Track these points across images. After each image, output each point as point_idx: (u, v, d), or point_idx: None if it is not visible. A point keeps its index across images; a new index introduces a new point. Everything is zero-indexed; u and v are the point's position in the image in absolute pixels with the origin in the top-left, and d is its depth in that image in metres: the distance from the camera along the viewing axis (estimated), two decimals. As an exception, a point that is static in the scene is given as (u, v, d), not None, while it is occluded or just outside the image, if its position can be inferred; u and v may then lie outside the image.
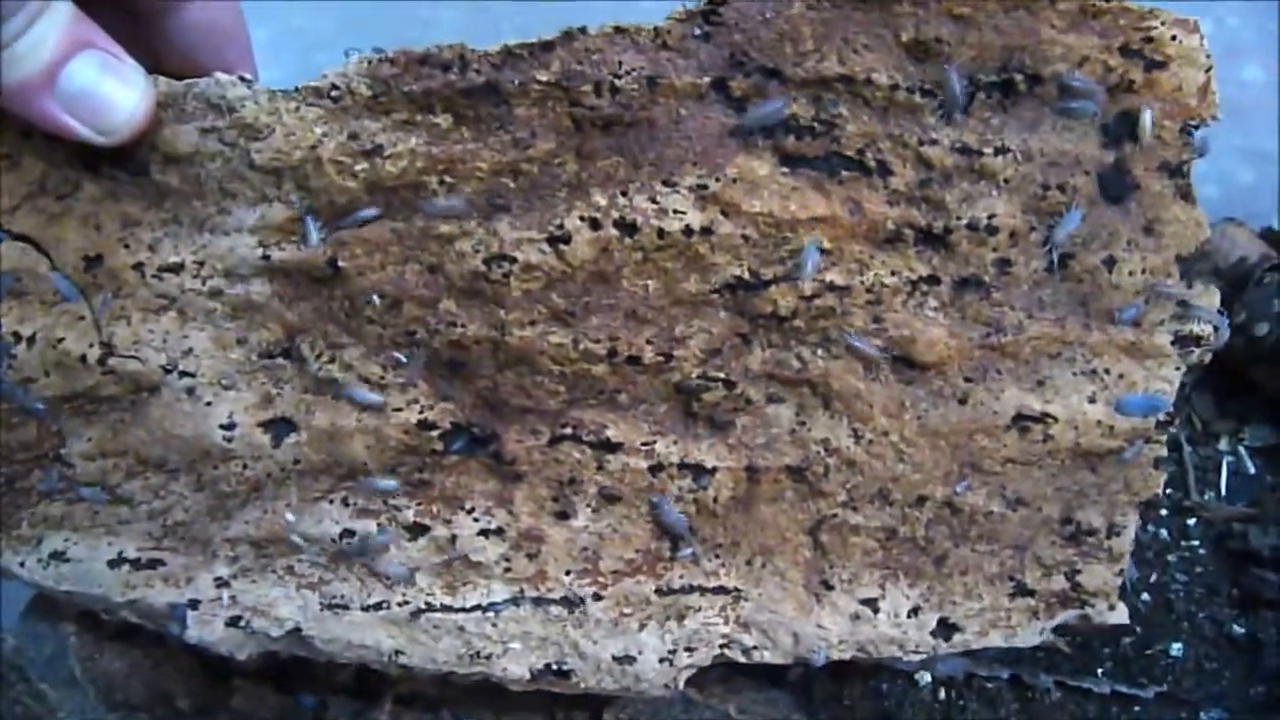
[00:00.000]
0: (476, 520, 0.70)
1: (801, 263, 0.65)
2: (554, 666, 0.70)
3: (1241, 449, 0.97)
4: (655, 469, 0.69)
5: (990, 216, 0.65)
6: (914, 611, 0.71)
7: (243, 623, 0.70)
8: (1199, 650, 0.86)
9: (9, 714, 0.76)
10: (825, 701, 0.82)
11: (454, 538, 0.69)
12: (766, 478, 0.69)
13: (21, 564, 0.71)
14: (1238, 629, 0.87)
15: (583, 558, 0.70)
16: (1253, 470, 0.96)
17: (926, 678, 0.84)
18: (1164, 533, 0.92)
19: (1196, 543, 0.92)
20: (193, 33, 0.71)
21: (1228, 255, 0.98)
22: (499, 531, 0.69)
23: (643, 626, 0.70)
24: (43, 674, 0.76)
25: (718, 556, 0.71)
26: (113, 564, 0.70)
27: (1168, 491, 0.95)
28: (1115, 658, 0.87)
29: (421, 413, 0.68)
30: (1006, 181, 0.65)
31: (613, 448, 0.69)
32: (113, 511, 0.70)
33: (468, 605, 0.70)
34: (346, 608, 0.70)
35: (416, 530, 0.70)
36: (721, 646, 0.70)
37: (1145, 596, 0.89)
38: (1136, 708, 0.83)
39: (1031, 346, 0.68)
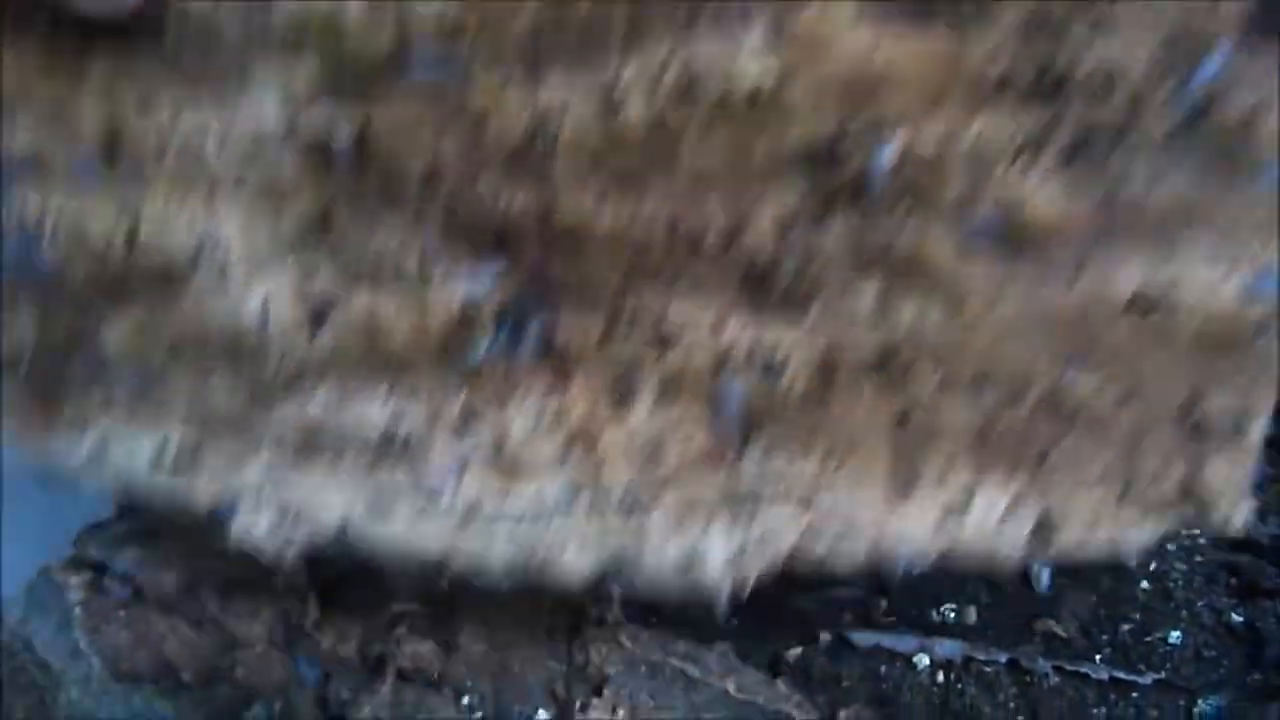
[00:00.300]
0: (528, 413, 0.64)
1: (888, 123, 0.57)
2: (612, 566, 0.64)
3: (1243, 440, 0.97)
4: (722, 358, 0.62)
5: (1111, 64, 0.56)
6: (1009, 510, 0.64)
7: (288, 519, 0.66)
8: (1198, 638, 0.87)
9: (13, 685, 0.77)
10: (823, 682, 0.83)
11: (504, 432, 0.64)
12: (845, 366, 0.62)
13: (67, 456, 0.67)
14: (1236, 618, 0.87)
15: (643, 453, 0.63)
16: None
17: (925, 660, 0.84)
18: (1164, 522, 0.93)
19: (1196, 532, 0.92)
20: None
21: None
22: (553, 425, 0.64)
23: (708, 526, 0.64)
24: (48, 645, 0.77)
25: (790, 451, 0.64)
26: (154, 455, 0.67)
27: (1168, 481, 0.95)
28: (1114, 644, 0.87)
29: (465, 298, 0.62)
30: (1132, 22, 0.55)
31: (674, 335, 0.62)
32: (152, 401, 0.66)
33: (521, 503, 0.64)
34: (394, 506, 0.65)
35: (465, 423, 0.64)
36: (792, 549, 0.64)
37: (1144, 584, 0.89)
38: (1134, 694, 0.84)
39: (1156, 217, 0.59)
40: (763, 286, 0.61)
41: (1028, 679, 0.84)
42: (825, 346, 0.61)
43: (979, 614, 0.89)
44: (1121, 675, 0.84)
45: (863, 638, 0.85)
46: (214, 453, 0.66)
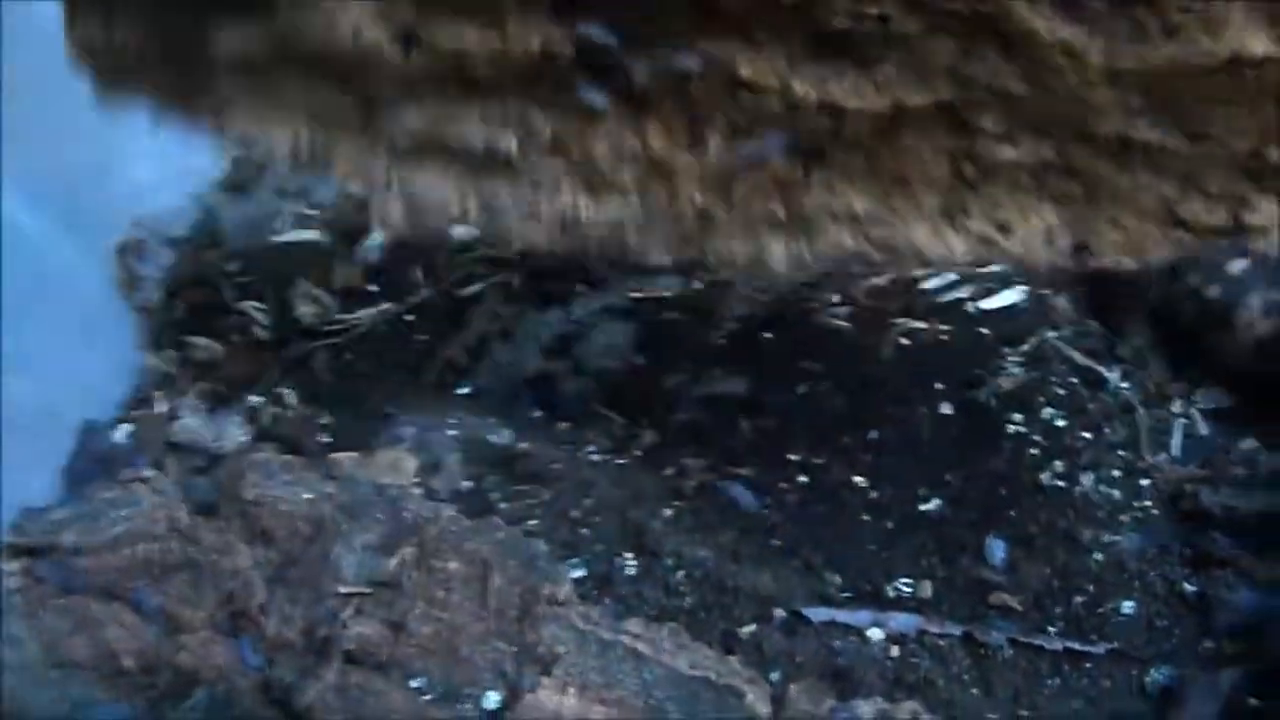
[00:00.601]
0: (609, 142, 0.67)
1: None
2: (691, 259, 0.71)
3: (1194, 411, 0.98)
4: (791, 107, 0.64)
5: None
6: (1049, 233, 0.67)
7: (417, 209, 0.72)
8: (1150, 608, 0.87)
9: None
10: (777, 659, 0.82)
11: (589, 156, 0.68)
12: (914, 112, 0.63)
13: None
14: (1189, 587, 0.88)
15: (715, 182, 0.68)
16: (1205, 432, 0.97)
17: (879, 634, 0.84)
18: (1116, 493, 0.93)
19: (1149, 503, 0.92)
20: None
21: (1182, 218, 0.98)
22: (632, 156, 0.67)
23: (771, 236, 0.69)
24: (-16, 631, 0.75)
25: (852, 182, 0.67)
26: (291, 146, 0.71)
27: (1120, 453, 0.95)
28: (1066, 616, 0.87)
29: (543, 40, 0.65)
30: None
31: (744, 84, 0.64)
32: (272, 105, 0.71)
33: (609, 212, 0.70)
34: (502, 209, 0.71)
35: (554, 147, 0.68)
36: (849, 257, 0.69)
37: (1098, 556, 0.89)
38: (1088, 664, 0.84)
39: None
40: (836, 41, 0.62)
41: (982, 651, 0.84)
42: (896, 98, 0.63)
43: (933, 588, 0.89)
44: (1075, 646, 0.84)
45: (816, 613, 0.84)
46: (342, 149, 0.71)
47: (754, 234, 0.70)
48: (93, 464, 0.98)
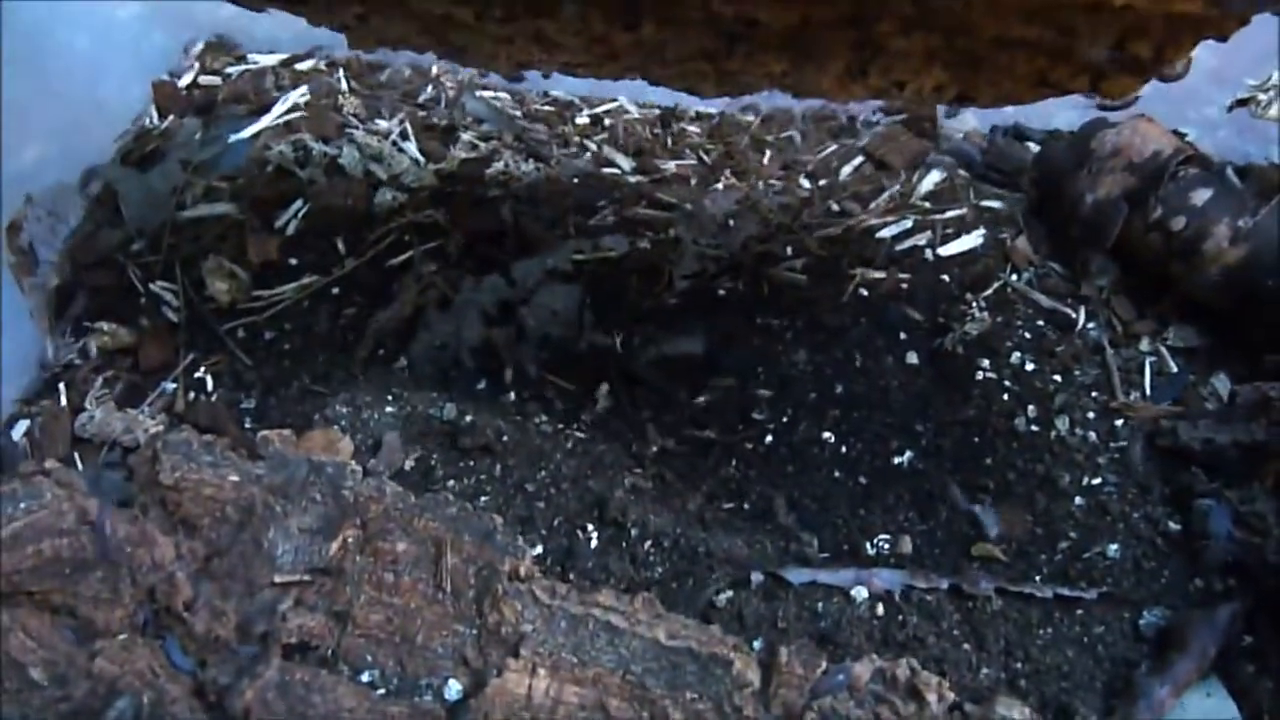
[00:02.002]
0: (557, 24, 0.71)
1: None
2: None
3: (1163, 349, 0.95)
4: (711, 15, 0.68)
5: None
6: (938, 89, 0.73)
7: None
8: (1136, 550, 0.83)
9: None
10: (758, 625, 0.77)
11: (541, 32, 0.72)
12: (820, 21, 0.68)
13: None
14: (1173, 526, 0.84)
15: (647, 51, 0.73)
16: (1175, 369, 0.94)
17: (863, 594, 0.79)
18: (1092, 435, 0.89)
19: (1125, 443, 0.89)
20: None
21: (1140, 150, 0.95)
22: (575, 32, 0.71)
23: (702, 84, 0.77)
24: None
25: (768, 53, 0.71)
26: None
27: (1093, 395, 0.92)
28: (1051, 564, 0.83)
29: None
30: None
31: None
32: None
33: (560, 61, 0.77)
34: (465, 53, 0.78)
35: (509, 21, 0.71)
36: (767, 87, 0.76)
37: (1078, 500, 0.86)
38: (1079, 610, 0.80)
39: None
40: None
41: (970, 604, 0.79)
42: (801, 14, 0.67)
43: (913, 542, 0.84)
44: (1065, 593, 0.80)
45: (796, 575, 0.79)
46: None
47: (686, 84, 0.77)
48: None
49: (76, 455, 0.92)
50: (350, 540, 0.72)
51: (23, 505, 0.69)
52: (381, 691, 0.69)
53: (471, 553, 0.72)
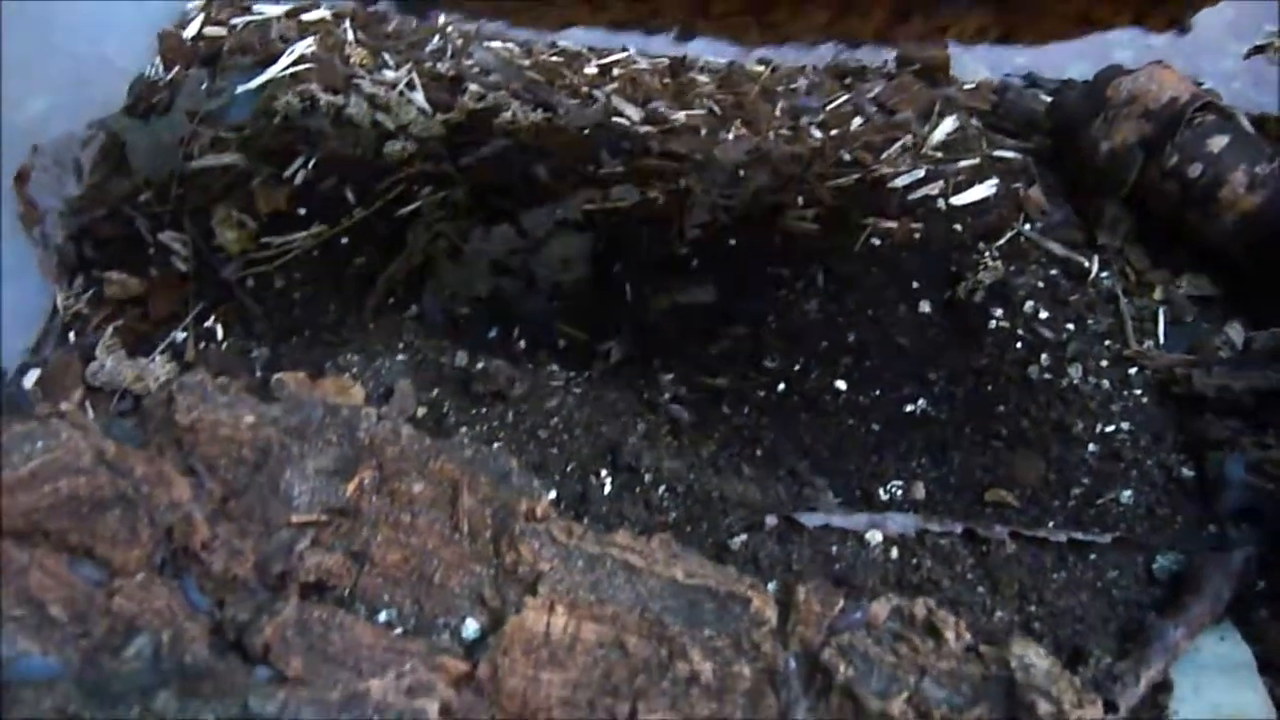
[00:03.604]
0: None
1: None
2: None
3: (1177, 297, 0.94)
4: None
5: None
6: (980, 30, 0.73)
7: None
8: (1150, 496, 0.84)
9: None
10: (772, 567, 0.77)
11: None
12: None
13: None
14: (1187, 472, 0.85)
15: (694, 9, 0.73)
16: (1189, 318, 0.94)
17: (877, 537, 0.79)
18: (1106, 383, 0.89)
19: (1139, 391, 0.89)
20: None
21: (1157, 97, 0.94)
22: None
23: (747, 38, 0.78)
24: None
25: (813, 3, 0.72)
26: None
27: (1106, 343, 0.92)
28: (1064, 510, 0.83)
29: None
30: None
31: None
32: None
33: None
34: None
35: None
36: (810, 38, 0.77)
37: (1092, 447, 0.86)
38: (1093, 555, 0.80)
39: None
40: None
41: (984, 548, 0.80)
42: None
43: (926, 489, 0.84)
44: (1079, 537, 0.80)
45: (810, 519, 0.79)
46: None
47: (729, 36, 0.77)
48: (-1, 410, 0.88)
49: (88, 404, 0.92)
50: (367, 482, 0.72)
51: (40, 444, 0.69)
52: (399, 630, 0.69)
53: (488, 494, 0.72)
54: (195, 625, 0.67)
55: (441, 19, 1.21)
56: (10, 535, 0.68)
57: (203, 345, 0.94)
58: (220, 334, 0.96)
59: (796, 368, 0.91)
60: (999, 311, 0.93)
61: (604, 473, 0.83)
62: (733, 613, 0.67)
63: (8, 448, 0.69)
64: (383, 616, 0.69)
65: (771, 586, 0.74)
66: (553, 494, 0.82)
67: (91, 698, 0.62)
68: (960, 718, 0.61)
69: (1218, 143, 0.91)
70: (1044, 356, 0.90)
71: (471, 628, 0.69)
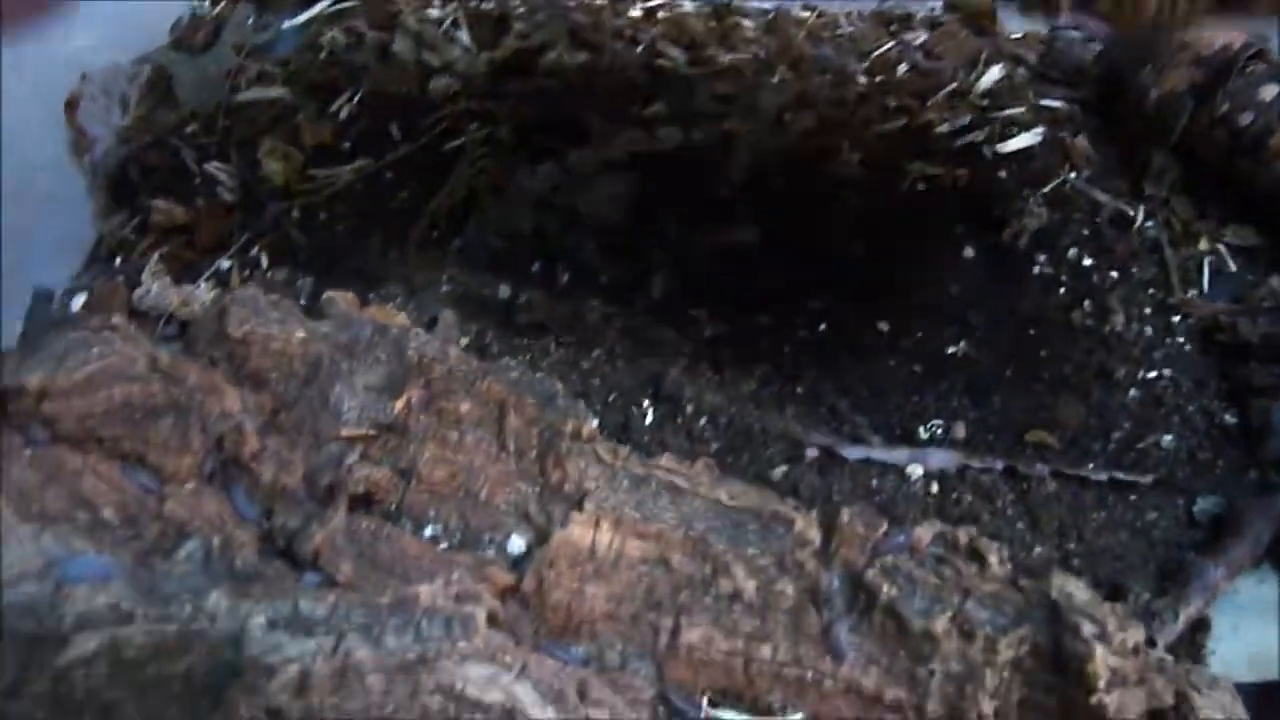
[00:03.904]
0: None
1: None
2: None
3: (1222, 248, 0.94)
4: None
5: None
6: None
7: None
8: (1191, 442, 0.83)
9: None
10: (812, 499, 0.77)
11: None
12: None
13: None
14: (1229, 419, 0.84)
15: None
16: (1234, 269, 0.93)
17: (918, 471, 0.79)
18: (1149, 330, 0.89)
19: (1182, 339, 0.89)
20: None
21: (1209, 44, 0.94)
22: None
23: None
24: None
25: None
26: None
27: (1150, 291, 0.91)
28: (1105, 453, 0.83)
29: None
30: None
31: None
32: None
33: None
34: None
35: None
36: None
37: (1134, 392, 0.85)
38: (1133, 496, 0.80)
39: None
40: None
41: (1025, 485, 0.80)
42: None
43: (966, 429, 0.84)
44: (1120, 477, 0.80)
45: (851, 451, 0.80)
46: None
47: None
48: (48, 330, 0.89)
49: (133, 328, 0.93)
50: (414, 399, 0.73)
51: (94, 350, 0.70)
52: (444, 546, 0.70)
53: (534, 414, 0.73)
54: (244, 532, 0.68)
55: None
56: (65, 440, 0.69)
57: (247, 273, 0.95)
58: (265, 264, 0.96)
59: (839, 307, 0.91)
60: (1043, 258, 0.93)
61: (646, 403, 0.84)
62: (776, 533, 0.67)
63: (64, 353, 0.70)
64: (428, 531, 0.70)
65: (815, 511, 0.75)
66: (596, 422, 0.82)
67: (144, 596, 0.63)
68: (1004, 637, 0.62)
69: (1269, 91, 0.91)
70: (1087, 303, 0.90)
71: (517, 544, 0.69)
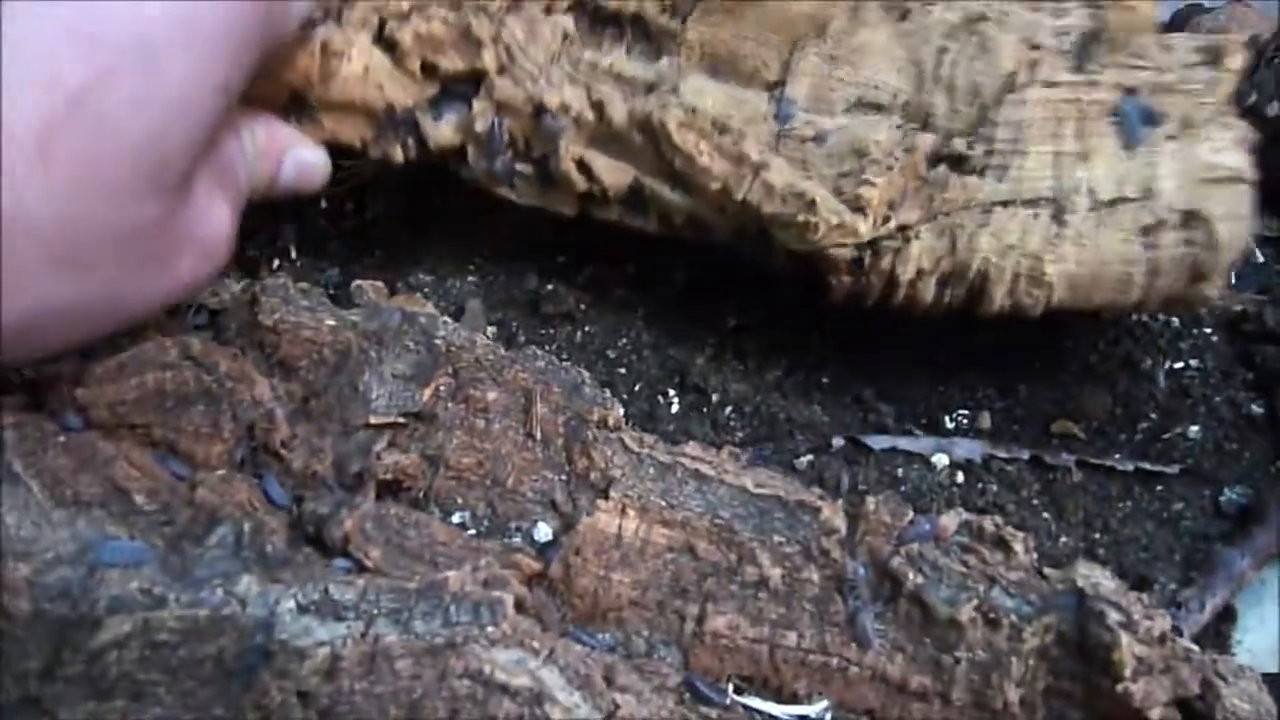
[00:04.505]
0: None
1: None
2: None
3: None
4: None
5: None
6: None
7: None
8: (1218, 432, 0.83)
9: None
10: (838, 488, 0.78)
11: None
12: None
13: None
14: (1256, 409, 0.84)
15: None
16: (1261, 259, 0.93)
17: (944, 460, 0.79)
18: (1175, 320, 0.89)
19: (1209, 330, 0.88)
20: None
21: (1237, 35, 0.93)
22: None
23: None
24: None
25: None
26: None
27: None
28: (1131, 443, 0.83)
29: None
30: None
31: None
32: None
33: None
34: None
35: None
36: None
37: (1160, 382, 0.85)
38: (1159, 486, 0.80)
39: None
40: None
41: (1050, 475, 0.80)
42: None
43: (992, 419, 0.84)
44: (1146, 467, 0.80)
45: (876, 441, 0.80)
46: None
47: None
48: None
49: (164, 316, 0.94)
50: (443, 388, 0.73)
51: (126, 338, 0.71)
52: (472, 533, 0.70)
53: (560, 403, 0.73)
54: (275, 519, 0.69)
55: None
56: (98, 426, 0.70)
57: (276, 264, 0.96)
58: (293, 253, 0.97)
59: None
60: (1068, 248, 0.92)
61: (671, 393, 0.84)
62: (802, 521, 0.67)
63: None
64: (456, 518, 0.71)
65: (840, 500, 0.75)
66: (622, 410, 0.83)
67: (176, 581, 0.64)
68: (1029, 626, 0.62)
69: (1299, 80, 0.90)
70: (1113, 293, 0.90)
71: (544, 531, 0.70)
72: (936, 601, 0.63)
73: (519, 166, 0.81)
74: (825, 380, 0.86)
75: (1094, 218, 0.72)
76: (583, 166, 0.79)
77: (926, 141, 0.74)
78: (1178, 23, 0.98)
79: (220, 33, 0.60)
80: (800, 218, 0.73)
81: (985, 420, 0.83)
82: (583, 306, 0.88)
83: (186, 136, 0.61)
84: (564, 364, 0.77)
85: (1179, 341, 0.87)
